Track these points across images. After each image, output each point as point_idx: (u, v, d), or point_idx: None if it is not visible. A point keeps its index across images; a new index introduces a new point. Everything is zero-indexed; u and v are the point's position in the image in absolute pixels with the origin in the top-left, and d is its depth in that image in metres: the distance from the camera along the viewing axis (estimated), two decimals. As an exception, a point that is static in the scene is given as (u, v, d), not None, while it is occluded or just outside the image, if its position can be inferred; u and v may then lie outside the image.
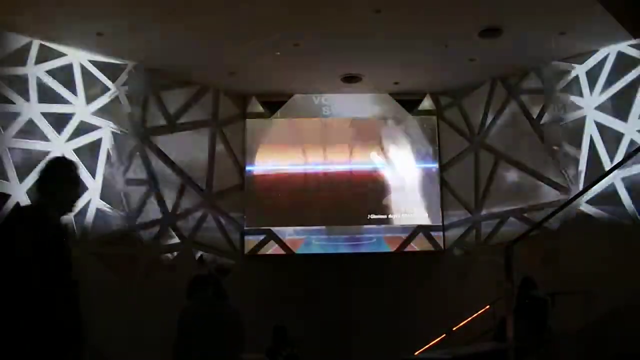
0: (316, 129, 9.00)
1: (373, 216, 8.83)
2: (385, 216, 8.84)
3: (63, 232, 2.67)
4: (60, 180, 2.71)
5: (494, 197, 8.41)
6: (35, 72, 6.81)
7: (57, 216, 2.66)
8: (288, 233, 8.71)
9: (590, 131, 7.48)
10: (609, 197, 7.08)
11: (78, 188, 2.85)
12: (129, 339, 6.49)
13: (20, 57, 6.67)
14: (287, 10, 6.30)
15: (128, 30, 6.67)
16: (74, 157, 7.02)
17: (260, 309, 7.48)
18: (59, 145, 6.90)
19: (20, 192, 6.45)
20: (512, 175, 8.29)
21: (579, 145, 7.56)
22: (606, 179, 6.74)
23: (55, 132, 6.91)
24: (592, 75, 7.54)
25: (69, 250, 2.59)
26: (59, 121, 7.01)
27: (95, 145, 7.34)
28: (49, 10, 6.09)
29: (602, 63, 7.44)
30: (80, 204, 7.14)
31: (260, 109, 8.96)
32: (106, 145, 7.35)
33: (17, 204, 2.74)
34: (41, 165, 2.76)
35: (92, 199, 7.12)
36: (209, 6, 6.14)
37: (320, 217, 8.80)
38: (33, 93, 6.75)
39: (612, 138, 7.27)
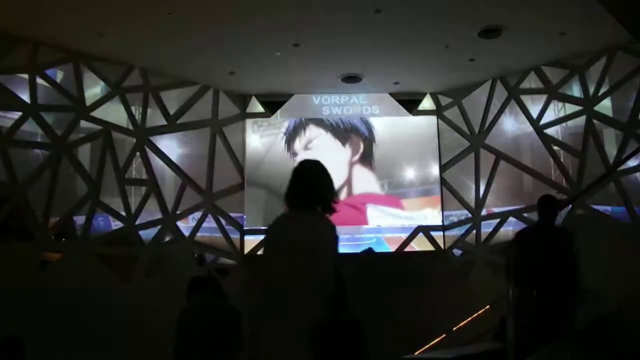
0: (316, 128, 9.00)
1: (373, 216, 8.83)
2: (385, 216, 8.84)
3: None
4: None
5: (494, 197, 8.41)
6: (35, 72, 6.81)
7: None
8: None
9: (590, 131, 7.48)
10: (610, 197, 7.08)
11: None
12: (129, 339, 6.48)
13: (20, 57, 6.67)
14: (288, 10, 6.30)
15: (128, 30, 6.67)
16: (73, 157, 7.06)
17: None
18: (59, 145, 6.90)
19: (19, 192, 6.48)
20: (512, 176, 8.28)
21: (579, 145, 7.57)
22: (606, 178, 6.74)
23: (56, 132, 6.92)
24: (592, 75, 7.53)
25: None
26: (59, 121, 7.02)
27: (96, 145, 7.35)
28: (49, 11, 6.08)
29: (602, 63, 7.44)
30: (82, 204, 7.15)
31: (260, 109, 8.95)
32: (107, 145, 7.35)
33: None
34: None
35: (92, 199, 7.12)
36: (209, 6, 6.15)
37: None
38: (33, 93, 6.75)
39: (612, 138, 7.26)
